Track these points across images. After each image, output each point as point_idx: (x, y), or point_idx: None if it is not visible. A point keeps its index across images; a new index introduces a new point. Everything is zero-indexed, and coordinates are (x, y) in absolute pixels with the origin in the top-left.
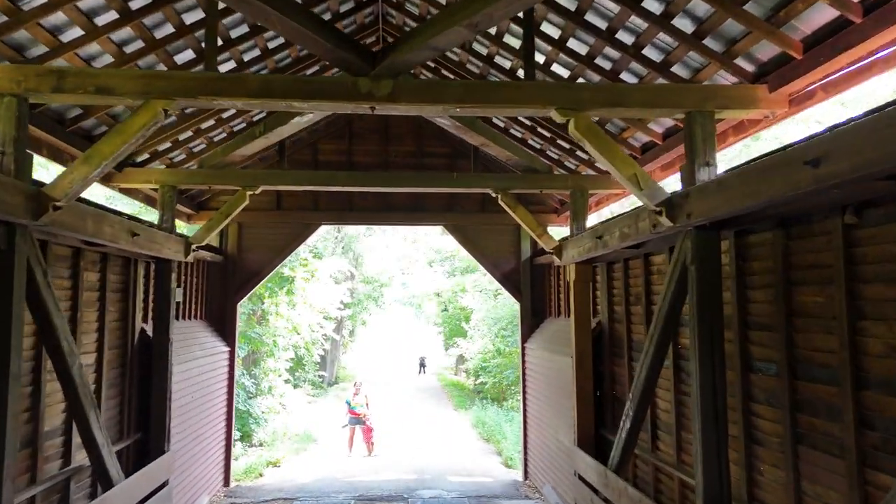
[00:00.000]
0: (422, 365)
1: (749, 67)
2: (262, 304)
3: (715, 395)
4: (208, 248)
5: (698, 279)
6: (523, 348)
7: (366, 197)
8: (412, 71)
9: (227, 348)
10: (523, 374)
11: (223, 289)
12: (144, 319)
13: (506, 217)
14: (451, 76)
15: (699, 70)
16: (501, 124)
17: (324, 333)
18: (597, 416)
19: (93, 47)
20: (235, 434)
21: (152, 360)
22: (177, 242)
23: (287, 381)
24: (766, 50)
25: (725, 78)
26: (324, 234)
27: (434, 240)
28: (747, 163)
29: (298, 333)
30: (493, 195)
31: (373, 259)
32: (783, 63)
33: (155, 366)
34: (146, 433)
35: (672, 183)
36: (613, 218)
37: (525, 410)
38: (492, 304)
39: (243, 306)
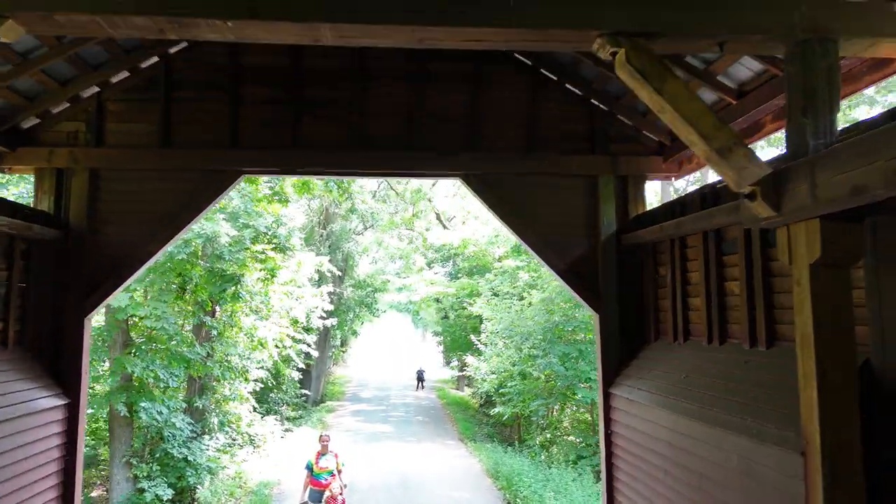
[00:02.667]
0: (420, 379)
1: None
2: (211, 315)
3: None
4: (19, 211)
5: None
6: (607, 395)
7: (322, 123)
8: None
9: (61, 401)
10: (607, 440)
11: (59, 290)
12: None
13: (572, 161)
14: None
15: None
16: None
17: (299, 348)
18: None
19: None
20: (166, 493)
21: None
22: None
23: (256, 409)
24: None
25: None
26: (303, 227)
27: (435, 234)
28: None
29: (264, 347)
30: (604, 56)
31: (366, 259)
32: None
33: None
34: None
35: None
36: None
37: None
38: (515, 312)
39: (178, 317)
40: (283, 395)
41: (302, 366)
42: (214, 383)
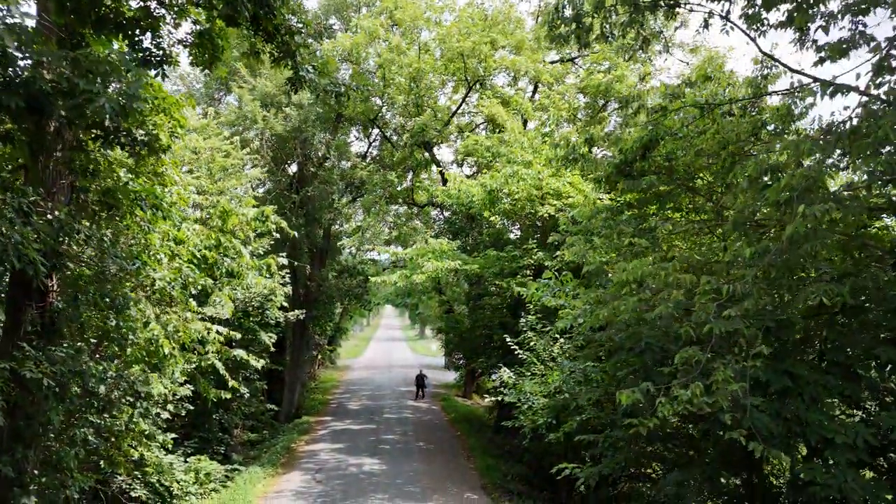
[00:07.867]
0: (420, 385)
1: None
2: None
3: None
4: None
5: None
6: None
7: None
8: None
9: None
10: None
11: None
12: None
13: None
14: None
15: None
16: None
17: (236, 354)
18: None
19: None
20: None
21: None
22: None
23: (183, 444)
24: None
25: None
26: (270, 191)
27: (442, 193)
28: None
29: (171, 359)
30: None
31: (356, 240)
32: None
33: None
34: None
35: None
36: None
37: None
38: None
39: None
40: (233, 415)
41: (232, 384)
42: (45, 426)
